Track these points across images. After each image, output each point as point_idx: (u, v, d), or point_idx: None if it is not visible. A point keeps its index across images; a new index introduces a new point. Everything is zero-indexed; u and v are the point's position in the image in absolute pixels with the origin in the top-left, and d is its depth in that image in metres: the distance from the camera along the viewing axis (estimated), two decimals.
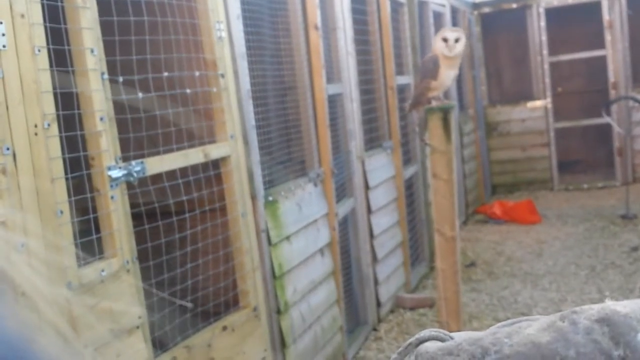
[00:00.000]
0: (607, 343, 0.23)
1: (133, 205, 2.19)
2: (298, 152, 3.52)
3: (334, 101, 3.94)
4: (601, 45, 7.46)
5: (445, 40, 2.91)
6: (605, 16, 7.35)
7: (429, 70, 2.94)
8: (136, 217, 2.24)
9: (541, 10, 7.60)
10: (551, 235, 5.94)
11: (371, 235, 4.28)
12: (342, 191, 4.01)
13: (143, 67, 2.31)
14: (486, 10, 7.95)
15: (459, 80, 6.87)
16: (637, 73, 7.47)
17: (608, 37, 7.39)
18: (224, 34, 2.67)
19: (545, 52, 7.64)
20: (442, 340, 0.30)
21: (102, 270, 2.00)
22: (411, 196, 5.27)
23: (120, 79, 2.19)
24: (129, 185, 2.17)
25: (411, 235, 5.11)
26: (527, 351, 0.24)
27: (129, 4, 2.22)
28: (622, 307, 0.24)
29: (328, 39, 3.89)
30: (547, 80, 7.69)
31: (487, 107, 8.06)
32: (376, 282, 4.31)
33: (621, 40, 7.34)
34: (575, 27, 7.68)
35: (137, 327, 2.12)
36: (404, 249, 4.84)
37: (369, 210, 4.28)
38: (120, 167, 2.11)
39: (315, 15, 3.51)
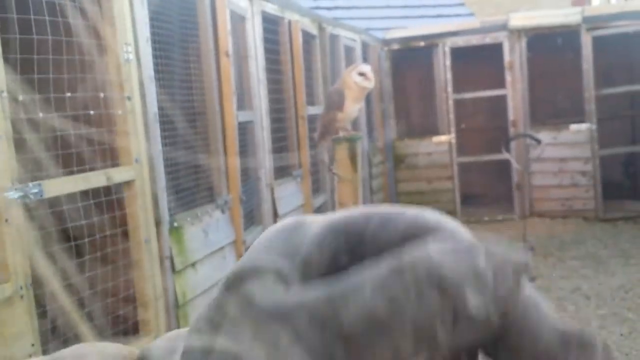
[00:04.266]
0: (438, 301, 0.26)
1: (29, 229, 2.11)
2: (206, 178, 3.49)
3: (245, 128, 3.94)
4: (502, 84, 7.84)
5: (362, 74, 3.03)
6: (506, 57, 7.74)
7: (334, 102, 3.02)
8: (32, 241, 2.15)
9: (447, 49, 7.92)
10: None
11: None
12: (251, 218, 4.00)
13: (45, 87, 2.24)
14: (395, 46, 8.21)
15: (369, 113, 7.03)
16: (535, 112, 7.88)
17: (508, 78, 7.78)
18: (132, 57, 2.64)
19: (450, 89, 7.95)
20: None
21: None
22: None
23: (20, 97, 2.12)
24: (26, 208, 2.08)
25: None
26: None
27: (32, 22, 2.16)
28: (451, 262, 0.27)
29: (239, 67, 3.91)
30: (452, 116, 8.00)
31: (396, 140, 8.28)
32: None
33: (521, 80, 7.75)
34: (479, 66, 8.04)
35: (30, 356, 2.02)
36: None
37: None
38: (16, 189, 2.03)
39: (227, 42, 3.52)
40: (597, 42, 7.35)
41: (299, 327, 0.26)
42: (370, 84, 3.07)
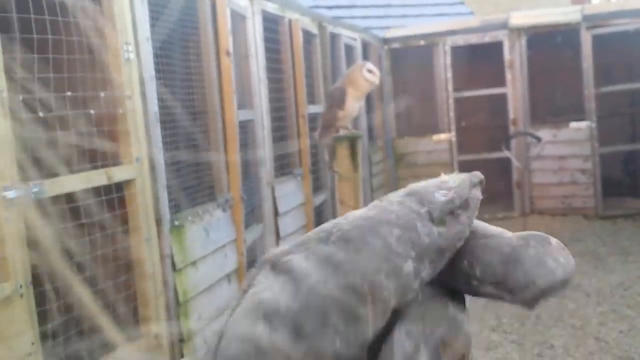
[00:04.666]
0: (416, 206, 0.33)
1: (30, 228, 2.11)
2: (207, 176, 3.49)
3: (245, 127, 3.95)
4: (502, 83, 7.84)
5: (370, 71, 3.07)
6: (507, 56, 7.74)
7: (335, 100, 3.04)
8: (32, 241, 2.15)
9: (447, 48, 7.93)
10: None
11: None
12: (252, 217, 4.00)
13: (46, 86, 2.25)
14: (396, 45, 8.21)
15: (369, 112, 7.04)
16: (535, 110, 7.89)
17: (509, 76, 7.79)
18: (132, 56, 2.64)
19: (450, 88, 7.95)
20: None
21: None
22: (320, 224, 5.30)
23: (20, 97, 2.13)
24: (27, 207, 2.09)
25: None
26: (361, 223, 0.32)
27: (32, 21, 2.16)
28: (421, 183, 0.35)
29: (240, 66, 3.91)
30: (452, 114, 8.00)
31: (396, 138, 8.28)
32: None
33: (521, 78, 7.75)
34: (479, 65, 8.04)
35: (30, 355, 2.03)
36: None
37: (278, 237, 4.28)
38: (17, 188, 2.03)
39: (227, 42, 3.53)
40: (597, 40, 7.35)
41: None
42: (377, 79, 3.18)
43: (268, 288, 0.33)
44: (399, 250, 0.33)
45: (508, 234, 0.36)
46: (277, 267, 0.34)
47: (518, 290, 0.34)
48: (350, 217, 0.34)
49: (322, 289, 0.31)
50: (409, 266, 0.33)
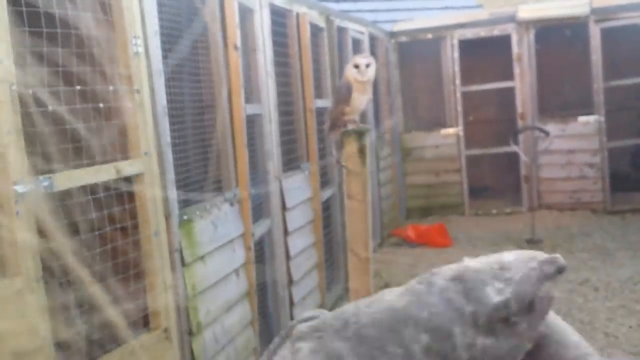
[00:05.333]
0: (460, 300, 0.27)
1: (40, 222, 2.11)
2: (215, 171, 3.49)
3: (253, 121, 3.94)
4: (510, 77, 7.80)
5: (356, 66, 2.99)
6: (515, 49, 7.71)
7: (342, 96, 3.01)
8: (42, 234, 2.16)
9: (455, 41, 7.89)
10: (461, 258, 6.12)
11: (287, 257, 4.28)
12: (259, 211, 4.00)
13: (55, 80, 2.24)
14: (403, 39, 8.19)
15: (376, 106, 7.01)
16: (543, 104, 7.85)
17: (517, 70, 7.75)
18: (141, 50, 2.64)
19: (457, 81, 7.92)
20: (314, 319, 0.33)
21: (5, 289, 1.91)
22: (328, 218, 5.32)
23: (30, 91, 2.12)
24: (37, 201, 2.09)
25: (327, 257, 5.14)
26: (383, 317, 0.27)
27: (42, 15, 2.16)
28: (475, 263, 0.29)
29: (248, 60, 3.90)
30: (460, 108, 7.97)
31: (403, 132, 8.26)
32: (292, 303, 4.31)
33: (529, 72, 7.71)
34: (487, 58, 8.01)
35: (41, 349, 2.03)
36: (319, 271, 4.86)
37: (286, 231, 4.28)
38: (27, 182, 2.03)
39: (235, 36, 3.52)
40: (606, 33, 7.31)
41: None
42: (363, 76, 2.96)
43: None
44: None
45: (586, 348, 0.31)
46: (288, 337, 0.32)
47: None
48: (375, 305, 0.30)
49: None
50: None
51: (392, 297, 0.28)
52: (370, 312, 0.28)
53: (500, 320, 0.23)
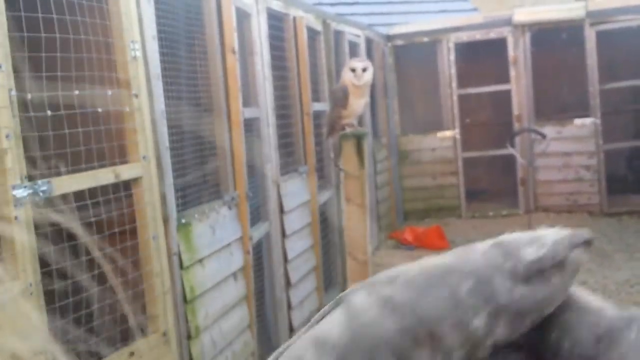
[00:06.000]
0: (499, 259, 0.31)
1: (38, 226, 2.12)
2: (213, 174, 3.49)
3: (250, 125, 3.95)
4: (506, 79, 7.83)
5: (353, 70, 3.01)
6: (511, 52, 7.73)
7: (338, 99, 3.02)
8: (41, 239, 2.16)
9: (451, 45, 7.92)
10: None
11: (285, 260, 4.28)
12: (257, 215, 4.00)
13: (53, 85, 2.25)
14: (399, 42, 8.21)
15: (373, 109, 7.03)
16: (539, 107, 7.87)
17: (513, 73, 7.77)
18: (139, 54, 2.64)
19: (454, 84, 7.94)
20: None
21: (4, 293, 1.91)
22: (325, 221, 5.32)
23: (29, 95, 2.13)
24: (35, 205, 2.09)
25: (325, 260, 5.14)
26: (430, 269, 0.30)
27: (40, 19, 2.16)
28: (512, 235, 0.33)
29: (245, 64, 3.91)
30: (456, 111, 7.99)
31: (400, 136, 8.27)
32: (289, 306, 4.31)
33: (525, 75, 7.74)
34: (483, 61, 8.03)
35: (40, 352, 2.03)
36: (317, 274, 4.87)
37: (284, 235, 4.29)
38: (25, 187, 2.04)
39: (233, 39, 3.53)
40: (601, 36, 7.34)
41: None
42: (359, 81, 2.97)
43: (328, 319, 0.33)
44: (470, 302, 0.32)
45: (609, 310, 0.34)
46: (341, 301, 0.34)
47: None
48: (423, 263, 0.33)
49: (375, 328, 0.32)
50: (479, 321, 0.32)
51: (437, 258, 0.32)
52: (418, 267, 0.30)
53: (535, 274, 0.26)
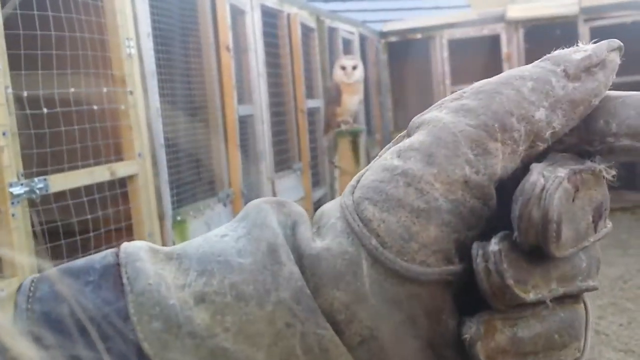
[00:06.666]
0: (551, 66, 0.34)
1: (35, 224, 2.12)
2: (208, 172, 3.50)
3: (245, 122, 3.95)
4: None
5: (343, 68, 3.02)
6: (504, 49, 7.75)
7: (332, 97, 3.03)
8: (37, 236, 2.16)
9: (444, 41, 7.93)
10: None
11: None
12: None
13: (49, 82, 2.25)
14: (393, 39, 8.21)
15: (367, 105, 7.04)
16: None
17: (506, 69, 7.77)
18: (134, 51, 2.64)
19: (447, 81, 7.96)
20: None
21: (2, 290, 1.92)
22: None
23: (25, 93, 2.13)
24: (31, 203, 2.10)
25: None
26: (495, 79, 0.35)
27: (36, 17, 2.16)
28: (556, 51, 0.37)
29: (239, 61, 3.91)
30: None
31: (393, 132, 8.29)
32: None
33: None
34: (476, 58, 8.05)
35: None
36: None
37: None
38: (22, 184, 2.04)
39: (227, 36, 3.53)
40: (595, 32, 7.36)
41: None
42: (349, 78, 2.98)
43: (406, 139, 0.35)
44: (532, 99, 0.34)
45: None
46: (415, 122, 0.36)
47: None
48: (484, 80, 0.36)
49: (455, 126, 0.34)
50: (541, 113, 0.34)
51: (491, 79, 0.34)
52: (482, 82, 0.32)
53: (583, 70, 0.28)
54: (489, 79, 0.37)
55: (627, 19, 7.26)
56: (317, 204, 5.22)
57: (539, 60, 0.38)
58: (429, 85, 8.28)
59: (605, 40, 0.38)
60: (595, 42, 0.38)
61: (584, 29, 7.38)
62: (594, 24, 7.36)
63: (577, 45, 0.38)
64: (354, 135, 2.92)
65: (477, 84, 0.36)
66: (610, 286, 5.03)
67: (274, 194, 4.26)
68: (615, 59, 0.39)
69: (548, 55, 0.37)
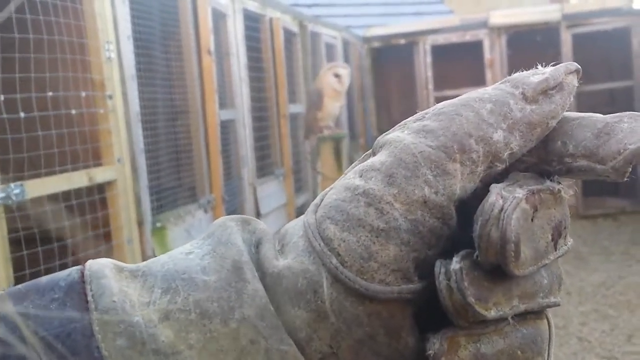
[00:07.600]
0: (510, 88, 0.36)
1: (11, 231, 2.07)
2: (189, 177, 3.46)
3: (227, 127, 3.91)
4: (483, 82, 7.87)
5: (337, 76, 3.01)
6: (487, 55, 7.78)
7: (313, 102, 3.02)
8: (13, 243, 2.11)
9: (427, 47, 7.95)
10: None
11: None
12: None
13: (26, 86, 2.20)
14: (376, 44, 8.22)
15: (350, 110, 7.03)
16: None
17: (489, 75, 7.82)
18: (114, 55, 2.60)
19: (430, 86, 7.97)
20: None
21: None
22: None
23: (1, 97, 2.08)
24: (7, 209, 2.05)
25: None
26: (456, 101, 0.35)
27: (14, 20, 2.12)
28: (515, 74, 0.38)
29: (221, 65, 3.88)
30: None
31: (377, 137, 8.27)
32: None
33: (501, 77, 7.74)
34: (459, 64, 8.07)
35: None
36: None
37: None
38: None
39: (209, 40, 3.49)
40: (577, 39, 7.41)
41: None
42: (342, 87, 3.03)
43: (367, 160, 0.36)
44: (491, 121, 0.35)
45: (600, 115, 0.38)
46: (380, 141, 0.37)
47: (610, 158, 0.35)
48: (445, 102, 0.37)
49: (415, 147, 0.35)
50: (499, 135, 0.35)
51: (452, 100, 0.34)
52: (443, 103, 0.32)
53: (541, 92, 0.28)
54: (450, 100, 0.37)
55: (608, 26, 7.32)
56: (300, 210, 5.19)
57: (499, 82, 0.38)
58: (412, 90, 8.29)
59: (563, 64, 0.38)
60: (554, 65, 0.38)
61: (566, 36, 7.43)
62: (576, 30, 7.41)
63: (535, 68, 0.38)
64: (337, 141, 2.90)
65: (439, 105, 0.37)
66: (592, 293, 5.04)
67: (256, 200, 4.22)
68: (573, 81, 0.40)
69: (508, 77, 0.38)
